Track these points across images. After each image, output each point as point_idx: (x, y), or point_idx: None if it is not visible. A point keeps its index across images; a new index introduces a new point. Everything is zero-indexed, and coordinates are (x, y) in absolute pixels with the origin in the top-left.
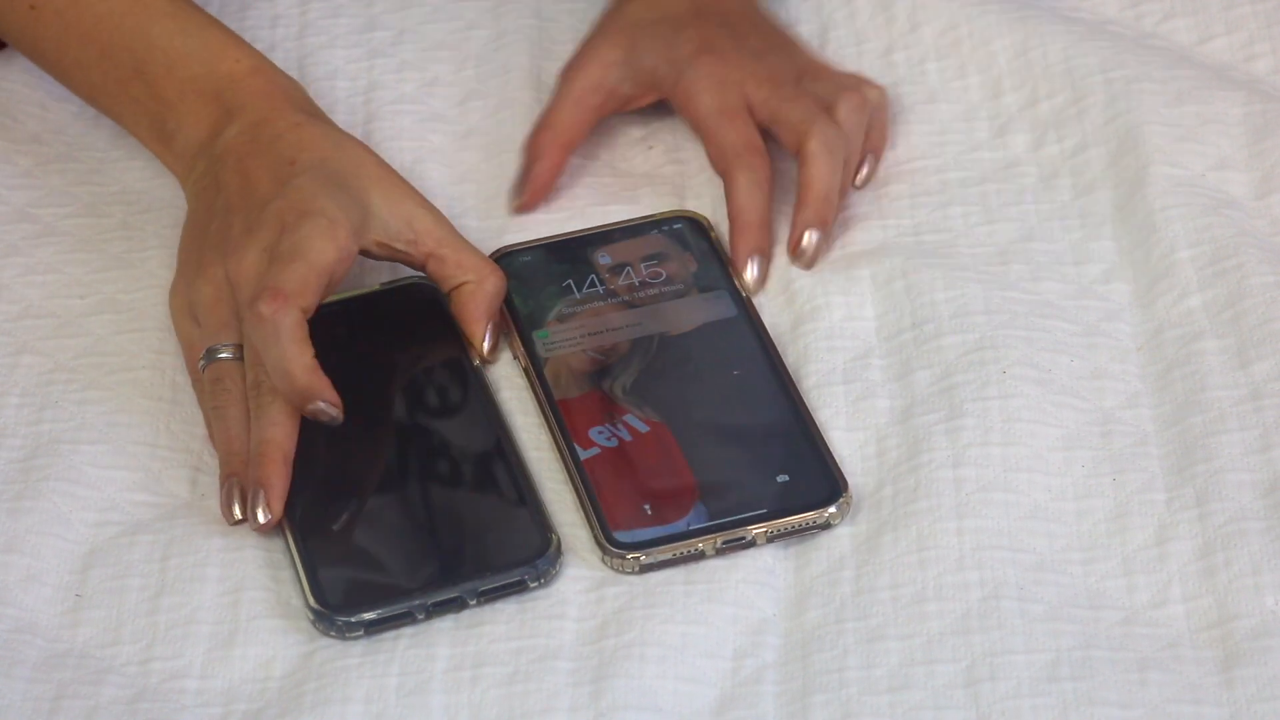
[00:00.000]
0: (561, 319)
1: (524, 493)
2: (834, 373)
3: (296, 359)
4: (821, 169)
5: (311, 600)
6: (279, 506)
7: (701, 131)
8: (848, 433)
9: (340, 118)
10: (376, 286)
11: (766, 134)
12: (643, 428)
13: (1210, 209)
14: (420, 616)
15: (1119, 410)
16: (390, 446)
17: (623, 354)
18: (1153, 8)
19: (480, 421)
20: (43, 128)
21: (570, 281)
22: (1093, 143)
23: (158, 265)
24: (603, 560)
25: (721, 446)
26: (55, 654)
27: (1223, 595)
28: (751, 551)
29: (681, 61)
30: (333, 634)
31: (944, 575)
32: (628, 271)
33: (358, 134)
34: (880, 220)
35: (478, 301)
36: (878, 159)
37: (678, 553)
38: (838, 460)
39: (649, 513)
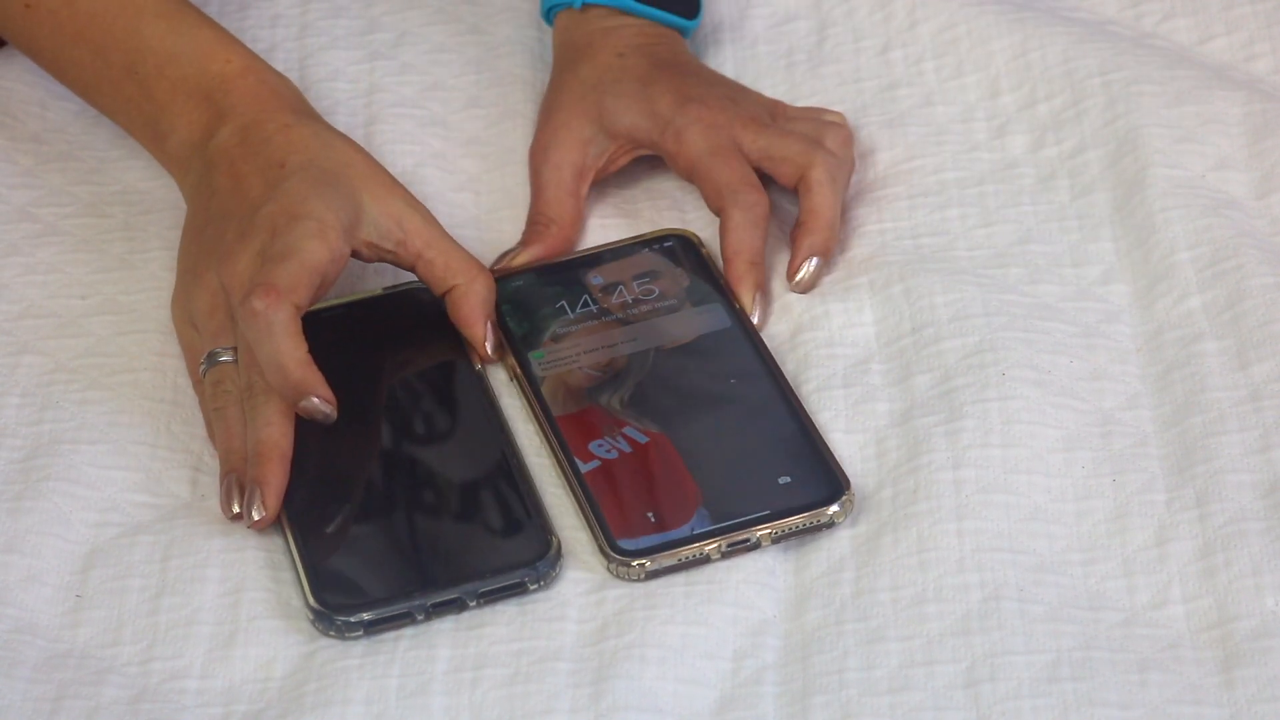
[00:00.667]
0: (556, 339)
1: (524, 495)
2: (834, 377)
3: (290, 353)
4: (827, 197)
5: (311, 600)
6: (275, 504)
7: (696, 173)
8: (847, 435)
9: (341, 120)
10: (379, 290)
11: (759, 173)
12: (642, 439)
13: (1210, 210)
14: (420, 617)
15: (1119, 411)
16: (391, 449)
17: (619, 369)
18: (1152, 8)
19: (481, 424)
20: (43, 127)
21: (563, 302)
22: (1091, 144)
23: (159, 266)
24: (607, 569)
25: (722, 452)
26: (56, 654)
27: (1223, 596)
28: (752, 553)
29: (665, 114)
30: (332, 634)
31: (944, 576)
32: (620, 290)
33: (358, 136)
34: (878, 223)
35: (470, 304)
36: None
37: (683, 558)
38: (838, 459)
39: (652, 520)
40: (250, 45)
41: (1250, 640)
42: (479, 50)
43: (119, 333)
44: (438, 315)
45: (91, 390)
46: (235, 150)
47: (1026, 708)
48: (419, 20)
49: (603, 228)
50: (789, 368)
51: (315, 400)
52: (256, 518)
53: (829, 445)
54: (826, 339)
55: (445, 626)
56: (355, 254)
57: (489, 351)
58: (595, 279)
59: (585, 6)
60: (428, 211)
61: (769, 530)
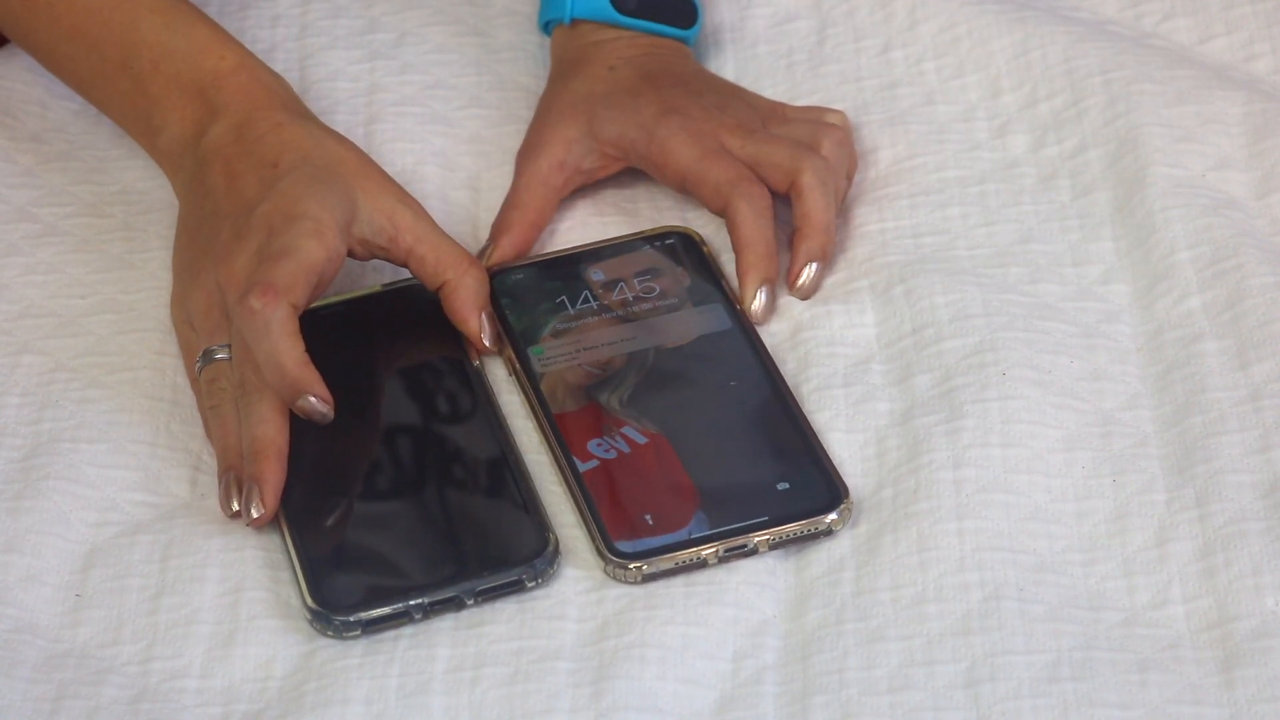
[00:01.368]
0: (556, 335)
1: (523, 493)
2: (834, 376)
3: (288, 352)
4: (819, 201)
5: (309, 600)
6: (273, 502)
7: (689, 181)
8: (847, 434)
9: (341, 119)
10: (378, 287)
11: None
12: (641, 439)
13: (1210, 209)
14: (418, 616)
15: (1119, 411)
16: (389, 447)
17: (618, 368)
18: (1152, 8)
19: (480, 422)
20: (43, 126)
21: (564, 298)
22: (1092, 144)
23: (159, 266)
24: (604, 570)
25: (721, 455)
26: (55, 654)
27: (1223, 596)
28: (749, 559)
29: (649, 125)
30: (330, 633)
31: (944, 576)
32: (621, 287)
33: (359, 135)
34: (879, 222)
35: (462, 299)
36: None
37: (679, 561)
38: (838, 466)
39: (650, 522)
40: (250, 45)
41: (1250, 640)
42: (479, 51)
43: (118, 332)
44: (436, 312)
45: (91, 389)
46: (229, 148)
47: (1026, 708)
48: (419, 20)
49: (603, 225)
50: (789, 367)
51: (312, 399)
52: (255, 515)
53: (828, 452)
54: (827, 338)
55: (445, 626)
56: (349, 252)
57: (486, 344)
58: (596, 275)
59: (575, 21)
60: (420, 207)
61: (767, 536)
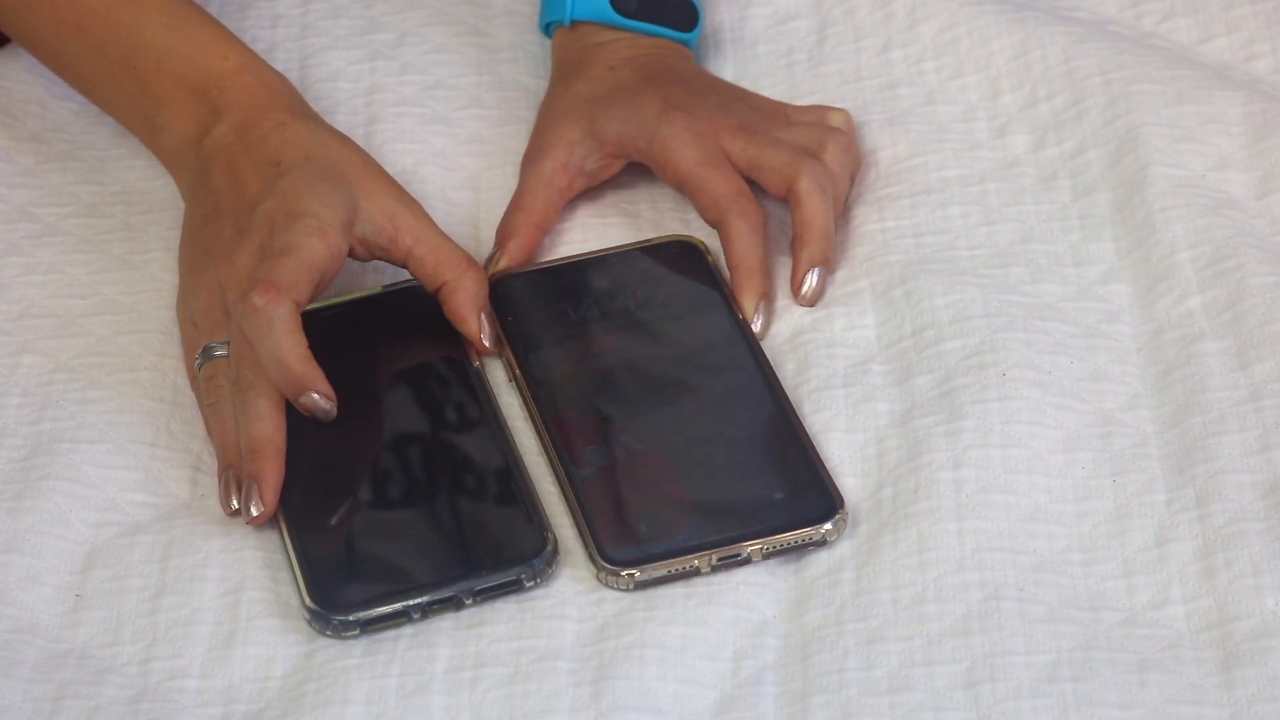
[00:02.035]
0: (557, 341)
1: (521, 493)
2: (834, 377)
3: (291, 349)
4: (817, 206)
5: (308, 600)
6: (272, 499)
7: (687, 185)
8: (847, 434)
9: (341, 119)
10: (378, 289)
11: (748, 182)
12: (638, 447)
13: (1210, 209)
14: (416, 616)
15: (1119, 412)
16: (388, 447)
17: (618, 376)
18: (1152, 8)
19: (479, 424)
20: (43, 126)
21: (566, 306)
22: (1092, 144)
23: (159, 267)
24: (598, 577)
25: (717, 464)
26: (55, 654)
27: (1223, 596)
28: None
29: (651, 122)
30: (329, 633)
31: (944, 576)
32: (623, 295)
33: (359, 136)
34: (880, 222)
35: (460, 300)
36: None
37: (673, 569)
38: (838, 466)
39: (644, 530)
40: (251, 45)
41: (1250, 640)
42: (479, 52)
43: (119, 332)
44: (436, 314)
45: (91, 390)
46: (232, 147)
47: (1026, 708)
48: (419, 20)
49: (604, 228)
50: (789, 368)
51: (315, 396)
52: (255, 513)
53: (827, 456)
54: (827, 340)
55: (445, 626)
56: (350, 252)
57: (486, 344)
58: (599, 283)
59: (575, 23)
60: (420, 208)
61: (760, 546)
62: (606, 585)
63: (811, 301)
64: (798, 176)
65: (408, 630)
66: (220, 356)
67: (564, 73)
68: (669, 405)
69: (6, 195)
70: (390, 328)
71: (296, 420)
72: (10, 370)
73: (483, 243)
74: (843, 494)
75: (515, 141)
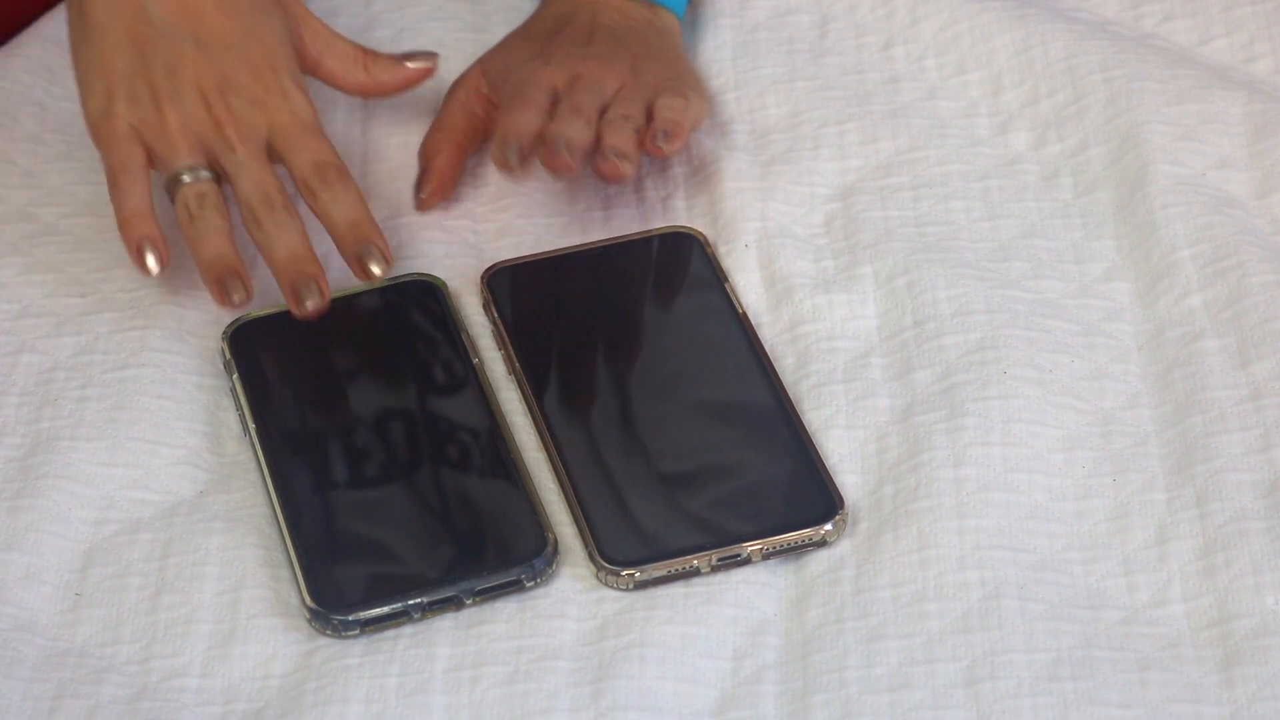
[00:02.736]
0: (556, 334)
1: (521, 492)
2: (834, 373)
3: (368, 212)
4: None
5: (308, 599)
6: (328, 293)
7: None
8: (848, 431)
9: (340, 115)
10: (376, 283)
11: None
12: (637, 444)
13: (1211, 208)
14: (417, 615)
15: (1119, 411)
16: (388, 445)
17: (617, 370)
18: (1153, 9)
19: (479, 421)
20: (42, 127)
21: (564, 297)
22: (1094, 142)
23: None
24: (597, 577)
25: (717, 463)
26: (55, 653)
27: (1223, 595)
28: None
29: (513, 68)
30: (329, 633)
31: (944, 574)
32: (622, 286)
33: (357, 130)
34: (883, 210)
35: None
36: (670, 135)
37: (672, 569)
38: (838, 464)
39: (644, 529)
40: None
41: (1250, 639)
42: (476, 49)
43: (117, 331)
44: (435, 309)
45: (90, 388)
46: None
47: (1027, 706)
48: (416, 17)
49: (604, 220)
50: (788, 362)
51: (375, 248)
52: (314, 305)
53: (827, 454)
54: (828, 332)
55: (445, 625)
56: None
57: (431, 66)
58: (598, 274)
59: None
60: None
61: (760, 546)
62: (606, 585)
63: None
64: (556, 120)
65: (408, 630)
66: (207, 179)
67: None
68: (669, 402)
69: (6, 195)
70: (388, 324)
71: (296, 421)
72: (9, 369)
73: (480, 231)
74: (843, 493)
75: None
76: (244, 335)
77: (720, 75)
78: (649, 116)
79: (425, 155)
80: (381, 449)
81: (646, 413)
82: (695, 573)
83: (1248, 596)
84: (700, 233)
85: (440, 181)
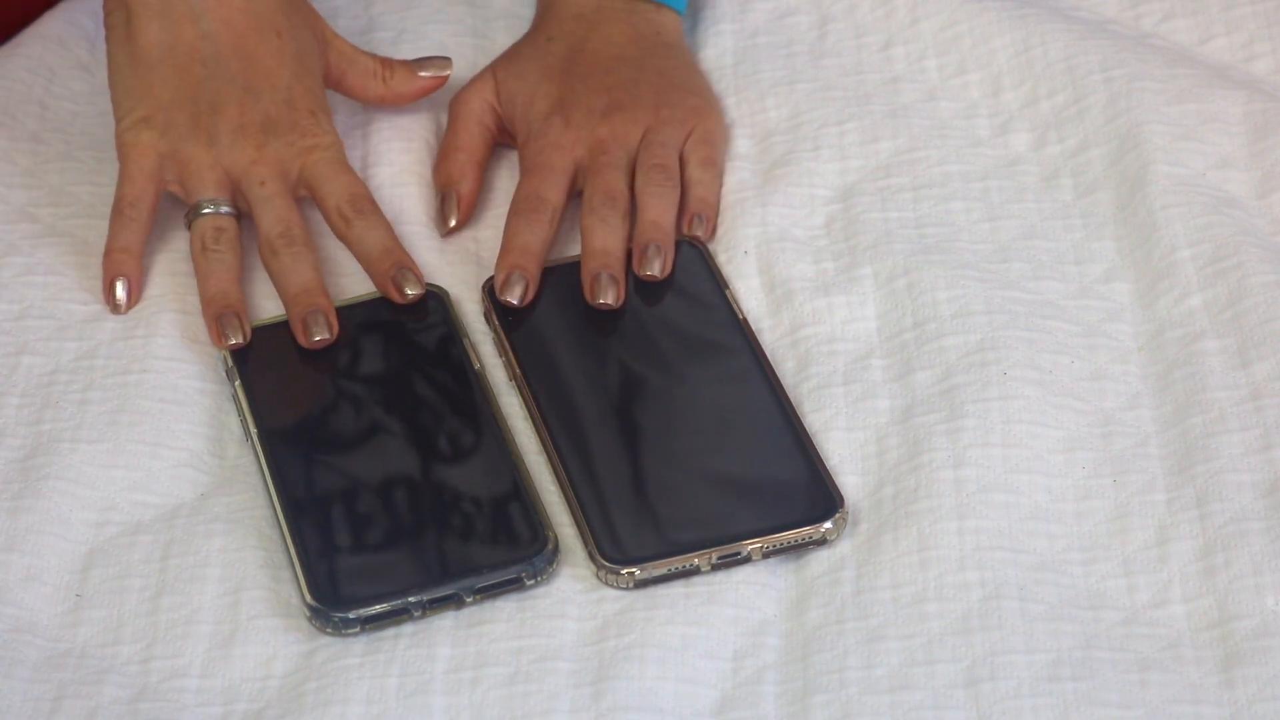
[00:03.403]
0: (557, 340)
1: (522, 491)
2: (834, 375)
3: (396, 240)
4: (595, 238)
5: (309, 597)
6: (336, 328)
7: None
8: (848, 433)
9: (340, 118)
10: (378, 292)
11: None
12: (638, 445)
13: (1211, 208)
14: (417, 613)
15: (1120, 411)
16: (389, 446)
17: (618, 374)
18: (1152, 8)
19: (480, 422)
20: (42, 127)
21: (565, 306)
22: (1094, 142)
23: (158, 268)
24: (597, 575)
25: (717, 463)
26: (55, 654)
27: (1223, 595)
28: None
29: (534, 121)
30: (330, 631)
31: (944, 575)
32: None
33: (357, 134)
34: (882, 211)
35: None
36: (705, 219)
37: (672, 568)
38: (838, 465)
39: (643, 528)
40: None
41: (1250, 639)
42: (477, 52)
43: (119, 338)
44: (437, 315)
45: (91, 390)
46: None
47: (1027, 707)
48: (418, 19)
49: None
50: (789, 365)
51: (409, 271)
52: (321, 338)
53: (827, 455)
54: (828, 334)
55: (445, 625)
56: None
57: (445, 74)
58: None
59: None
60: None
61: (760, 544)
62: (606, 584)
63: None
64: (585, 212)
65: (408, 630)
66: (227, 214)
67: (535, 21)
68: (669, 404)
69: (6, 195)
70: (390, 330)
71: (296, 421)
72: (10, 371)
73: (481, 239)
74: (843, 493)
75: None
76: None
77: (721, 81)
78: (682, 162)
79: (450, 179)
80: (382, 450)
81: (647, 417)
82: (695, 571)
83: (1248, 597)
84: (701, 242)
85: (466, 210)
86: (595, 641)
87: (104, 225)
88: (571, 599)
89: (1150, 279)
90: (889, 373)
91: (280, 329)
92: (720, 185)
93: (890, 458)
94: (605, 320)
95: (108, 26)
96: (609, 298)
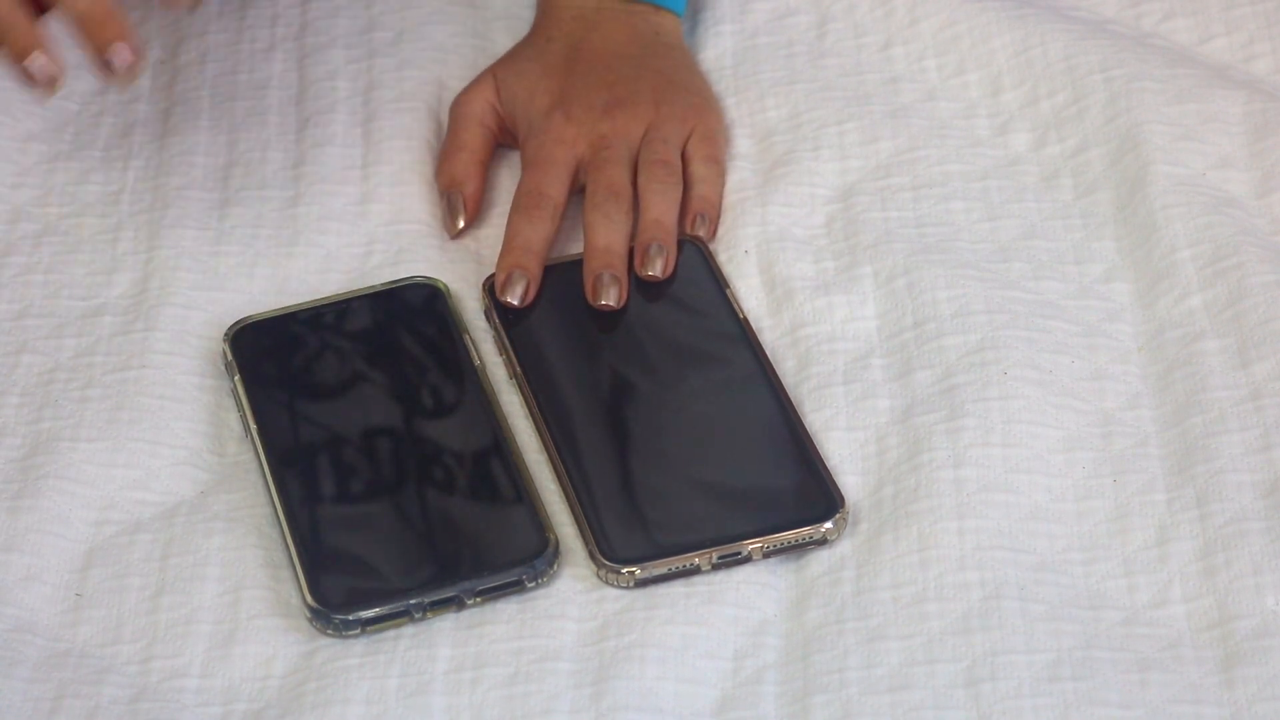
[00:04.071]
0: (558, 339)
1: (522, 493)
2: (834, 374)
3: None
4: (597, 234)
5: (309, 599)
6: (626, 298)
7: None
8: (848, 432)
9: (341, 118)
10: (378, 286)
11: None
12: (638, 445)
13: (1211, 208)
14: (418, 615)
15: (1120, 411)
16: (390, 446)
17: (618, 373)
18: (1152, 8)
19: (480, 421)
20: (42, 126)
21: (565, 304)
22: (1094, 142)
23: (158, 265)
24: (597, 575)
25: (717, 462)
26: (55, 653)
27: (1223, 595)
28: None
29: (535, 119)
30: (330, 632)
31: (945, 575)
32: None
33: (358, 134)
34: (883, 211)
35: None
36: (709, 219)
37: (673, 568)
38: (838, 465)
39: (644, 528)
40: (250, 44)
41: (1251, 639)
42: (476, 53)
43: (117, 332)
44: (436, 311)
45: (91, 389)
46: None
47: (1027, 707)
48: (417, 19)
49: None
50: (789, 365)
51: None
52: (605, 302)
53: (827, 454)
54: (828, 334)
55: (445, 625)
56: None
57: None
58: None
59: None
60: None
61: (760, 544)
62: (606, 583)
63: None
64: (588, 209)
65: (408, 630)
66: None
67: (535, 22)
68: (670, 403)
69: (6, 195)
70: (390, 326)
71: (295, 422)
72: (9, 370)
73: (481, 237)
74: (843, 492)
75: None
76: (245, 337)
77: (721, 81)
78: (684, 159)
79: (454, 180)
80: (382, 450)
81: (647, 416)
82: (696, 571)
83: (1248, 597)
84: (702, 240)
85: (476, 209)
86: (595, 641)
87: (104, 224)
88: (572, 599)
89: (1150, 279)
90: (889, 372)
91: (280, 322)
92: (723, 184)
93: (890, 457)
94: (606, 319)
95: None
96: (611, 299)
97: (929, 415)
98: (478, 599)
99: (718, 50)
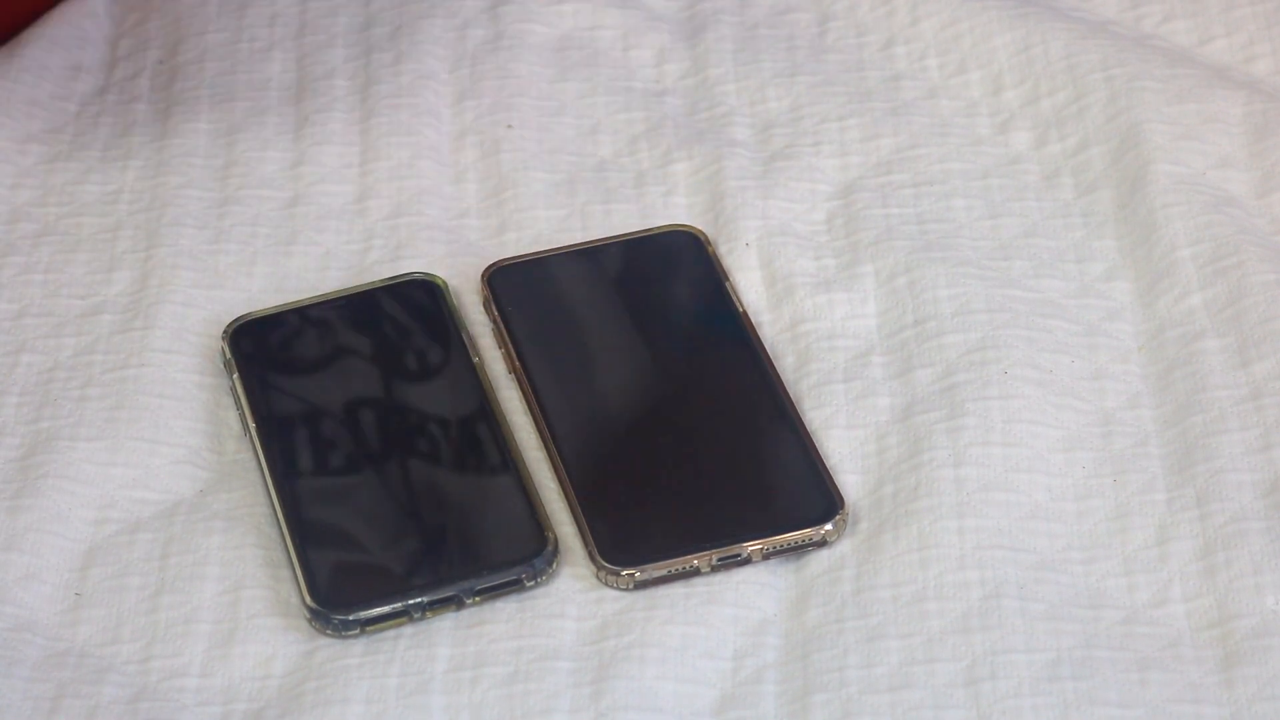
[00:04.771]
0: (555, 333)
1: (522, 492)
2: (834, 372)
3: None
4: None
5: (308, 598)
6: None
7: None
8: (848, 431)
9: (339, 115)
10: (377, 283)
11: None
12: (638, 444)
13: (1211, 207)
14: (417, 615)
15: (1120, 411)
16: (389, 444)
17: (617, 369)
18: (1152, 9)
19: (479, 420)
20: (43, 127)
21: (564, 296)
22: (1094, 141)
23: (158, 264)
24: (597, 576)
25: (717, 462)
26: (55, 653)
27: (1223, 595)
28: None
29: None
30: (330, 632)
31: (944, 574)
32: (623, 285)
33: (356, 131)
34: (884, 208)
35: None
36: None
37: (673, 569)
38: (838, 464)
39: (644, 529)
40: (249, 43)
41: (1250, 639)
42: (472, 45)
43: (117, 331)
44: (436, 308)
45: (90, 388)
46: None
47: (1027, 706)
48: (415, 14)
49: (606, 215)
50: (789, 361)
51: None
52: None
53: (827, 454)
54: (828, 330)
55: (445, 625)
56: None
57: None
58: (598, 272)
59: None
60: None
61: (760, 546)
62: (606, 585)
63: None
64: None
65: (408, 630)
66: None
67: None
68: (668, 400)
69: (6, 195)
70: (387, 323)
71: (294, 423)
72: (9, 369)
73: (482, 231)
74: (843, 492)
75: (509, 134)
76: (244, 335)
77: (720, 65)
78: None
79: None
80: (381, 448)
81: (647, 412)
82: (695, 572)
83: (1248, 596)
84: (701, 231)
85: None
86: (595, 641)
87: (104, 224)
88: (571, 599)
89: (1150, 278)
90: (889, 370)
91: (278, 319)
92: None
93: (890, 456)
94: (605, 311)
95: None
96: None
97: (929, 414)
98: (477, 598)
99: (717, 35)
